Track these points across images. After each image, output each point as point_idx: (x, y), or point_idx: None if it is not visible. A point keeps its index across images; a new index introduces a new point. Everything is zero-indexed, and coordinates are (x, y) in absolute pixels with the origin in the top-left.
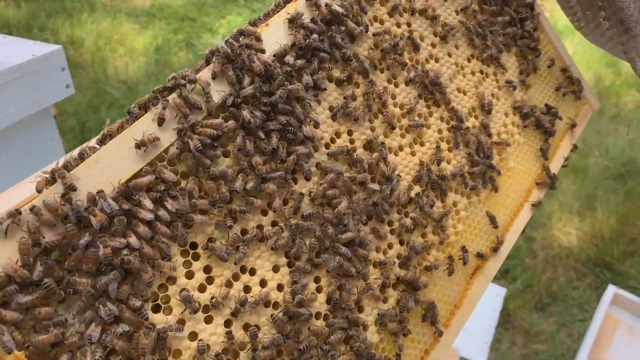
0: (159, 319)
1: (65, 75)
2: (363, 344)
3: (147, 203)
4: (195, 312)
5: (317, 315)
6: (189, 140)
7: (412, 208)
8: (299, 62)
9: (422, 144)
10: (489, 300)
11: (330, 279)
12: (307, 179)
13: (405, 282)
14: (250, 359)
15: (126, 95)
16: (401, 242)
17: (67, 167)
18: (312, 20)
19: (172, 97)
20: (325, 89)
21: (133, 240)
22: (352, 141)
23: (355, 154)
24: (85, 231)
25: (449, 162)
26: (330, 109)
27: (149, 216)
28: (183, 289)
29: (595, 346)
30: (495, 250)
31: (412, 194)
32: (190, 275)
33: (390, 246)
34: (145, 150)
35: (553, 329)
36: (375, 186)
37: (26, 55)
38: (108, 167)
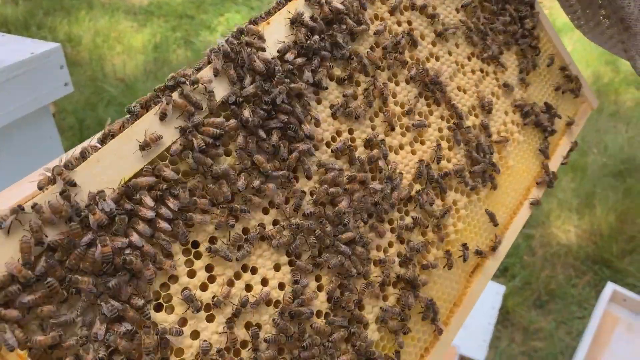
0: (161, 318)
1: (63, 73)
2: (364, 342)
3: (148, 201)
4: (197, 311)
5: (318, 314)
6: (193, 138)
7: (412, 206)
8: (299, 60)
9: (422, 143)
10: (488, 298)
11: (331, 277)
12: (308, 177)
13: (405, 280)
14: (252, 359)
15: (124, 93)
16: (401, 241)
17: (69, 166)
18: (313, 18)
19: (175, 96)
20: (326, 88)
21: (135, 238)
22: (352, 140)
23: (355, 153)
24: (89, 230)
25: (449, 161)
26: (331, 107)
27: (149, 214)
28: (185, 288)
29: (594, 344)
30: (494, 248)
31: (413, 192)
32: (192, 274)
33: (390, 245)
34: (147, 150)
35: (552, 327)
36: (376, 185)
37: (25, 54)
38: (110, 166)
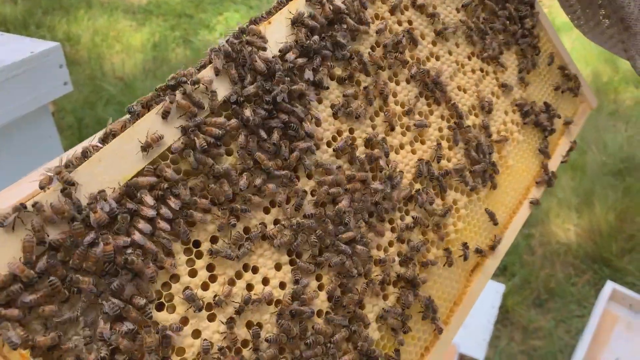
0: (163, 317)
1: (63, 73)
2: (366, 342)
3: (149, 200)
4: (199, 310)
5: (319, 313)
6: (196, 138)
7: (412, 206)
8: (300, 60)
9: (422, 142)
10: (487, 296)
11: (332, 276)
12: (309, 176)
13: (405, 279)
14: (254, 359)
15: (123, 92)
16: (401, 240)
17: (70, 165)
18: (314, 17)
19: (178, 96)
20: (327, 87)
21: (137, 236)
22: (353, 139)
23: (356, 152)
24: (91, 230)
25: (449, 160)
26: (332, 107)
27: (150, 213)
28: (186, 288)
29: (594, 342)
30: (493, 247)
31: (413, 191)
32: (193, 273)
33: (390, 244)
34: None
35: (551, 325)
36: (377, 185)
37: (24, 53)
38: (111, 166)
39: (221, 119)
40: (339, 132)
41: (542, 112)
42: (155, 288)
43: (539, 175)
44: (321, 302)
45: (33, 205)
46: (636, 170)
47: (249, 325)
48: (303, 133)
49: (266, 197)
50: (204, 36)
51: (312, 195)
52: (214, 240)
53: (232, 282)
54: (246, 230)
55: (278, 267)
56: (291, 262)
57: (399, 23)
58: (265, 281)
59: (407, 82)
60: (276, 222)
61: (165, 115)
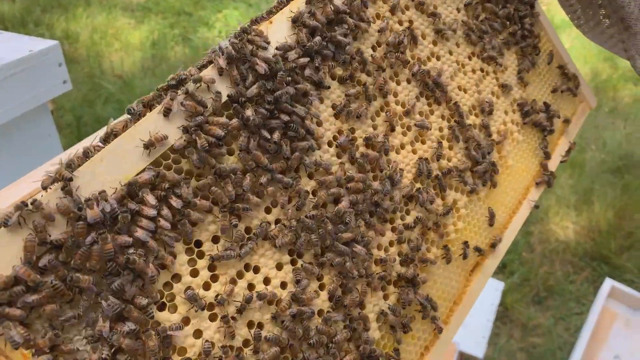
0: (164, 317)
1: (62, 71)
2: (367, 344)
3: (150, 199)
4: (202, 309)
5: (320, 313)
6: (197, 138)
7: (413, 205)
8: (302, 60)
9: (423, 142)
10: (487, 294)
11: (333, 277)
12: (310, 176)
13: (406, 279)
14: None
15: (122, 90)
16: (402, 240)
17: (71, 165)
18: (314, 17)
19: (181, 95)
20: (329, 87)
21: (140, 234)
22: (354, 139)
23: (357, 152)
24: (93, 229)
25: (449, 160)
26: (333, 106)
27: (152, 212)
28: (188, 287)
29: (592, 339)
30: (493, 246)
31: (413, 190)
32: (194, 273)
33: (391, 244)
34: (151, 150)
35: (550, 323)
36: (377, 185)
37: (23, 51)
38: (113, 166)
39: (223, 119)
40: (340, 132)
41: (541, 112)
42: (157, 288)
43: (538, 175)
44: (322, 302)
45: (32, 203)
46: (635, 167)
47: (250, 324)
48: (303, 132)
49: (267, 197)
50: (203, 34)
51: (313, 195)
52: (215, 240)
53: (233, 282)
54: (247, 230)
55: (279, 267)
56: (292, 262)
57: (400, 23)
58: (267, 281)
59: (408, 82)
60: (277, 222)
61: (166, 113)
